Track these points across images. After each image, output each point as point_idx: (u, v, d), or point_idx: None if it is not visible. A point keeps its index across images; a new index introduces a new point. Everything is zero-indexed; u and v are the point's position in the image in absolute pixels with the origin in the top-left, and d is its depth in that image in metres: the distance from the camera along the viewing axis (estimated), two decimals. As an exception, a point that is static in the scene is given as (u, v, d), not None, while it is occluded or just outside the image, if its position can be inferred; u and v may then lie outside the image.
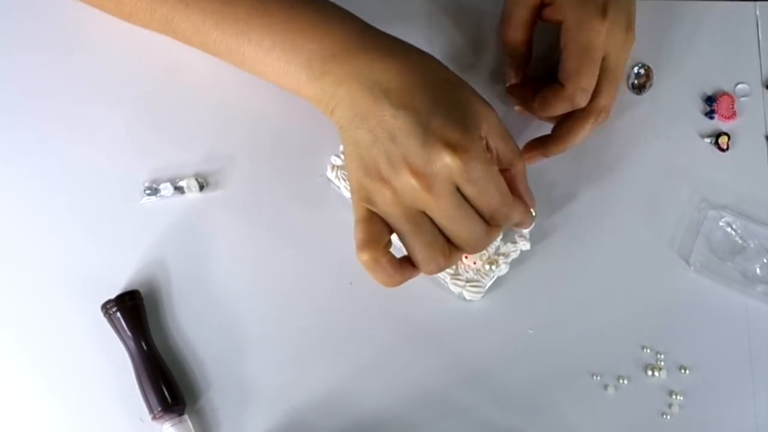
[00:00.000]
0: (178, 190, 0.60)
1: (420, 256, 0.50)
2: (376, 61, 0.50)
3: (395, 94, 0.49)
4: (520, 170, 0.54)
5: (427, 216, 0.50)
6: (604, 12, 0.57)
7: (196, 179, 0.61)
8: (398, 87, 0.49)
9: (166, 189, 0.60)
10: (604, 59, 0.58)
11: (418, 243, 0.50)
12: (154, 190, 0.60)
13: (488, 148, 0.50)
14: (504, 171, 0.52)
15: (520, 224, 0.55)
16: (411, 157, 0.48)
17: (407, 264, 0.51)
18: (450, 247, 0.51)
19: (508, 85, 0.63)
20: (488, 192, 0.49)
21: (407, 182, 0.48)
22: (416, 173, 0.48)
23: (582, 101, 0.57)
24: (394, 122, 0.48)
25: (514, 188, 0.53)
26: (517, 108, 0.63)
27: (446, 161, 0.47)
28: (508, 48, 0.62)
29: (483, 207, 0.50)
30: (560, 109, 0.58)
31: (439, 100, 0.49)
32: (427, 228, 0.50)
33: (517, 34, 0.61)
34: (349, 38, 0.52)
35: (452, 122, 0.48)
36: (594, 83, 0.57)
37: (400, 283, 0.51)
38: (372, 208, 0.50)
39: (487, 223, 0.51)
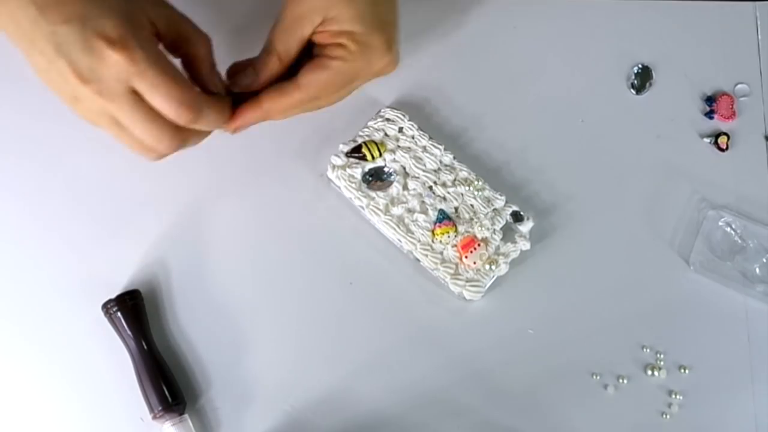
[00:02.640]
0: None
1: (136, 149, 0.50)
2: None
3: (52, 7, 0.47)
4: (201, 53, 0.52)
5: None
6: (387, 48, 0.55)
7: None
8: (52, 2, 0.47)
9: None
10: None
11: (125, 141, 0.50)
12: None
13: (160, 36, 0.50)
14: (186, 57, 0.52)
15: (215, 123, 0.52)
16: (77, 66, 0.46)
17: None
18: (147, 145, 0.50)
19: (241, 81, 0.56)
20: (162, 85, 0.47)
21: (84, 91, 0.47)
22: (87, 80, 0.47)
23: (315, 108, 0.56)
24: (54, 37, 0.47)
25: (198, 75, 0.52)
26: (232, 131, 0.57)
27: (108, 59, 0.46)
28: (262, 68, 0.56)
29: (162, 103, 0.48)
30: (290, 113, 0.56)
31: (94, 1, 0.47)
32: (122, 127, 0.49)
33: (291, 47, 0.56)
34: None
35: (110, 19, 0.47)
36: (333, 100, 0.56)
37: (236, 124, 0.53)
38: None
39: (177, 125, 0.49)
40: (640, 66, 0.66)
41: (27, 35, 0.48)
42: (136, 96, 0.48)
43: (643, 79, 0.66)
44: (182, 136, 0.50)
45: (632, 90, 0.66)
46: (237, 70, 0.56)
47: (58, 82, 0.48)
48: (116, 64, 0.46)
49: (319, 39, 0.55)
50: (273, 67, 0.55)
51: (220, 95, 0.53)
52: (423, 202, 0.61)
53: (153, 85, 0.47)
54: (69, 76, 0.47)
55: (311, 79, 0.54)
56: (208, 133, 0.53)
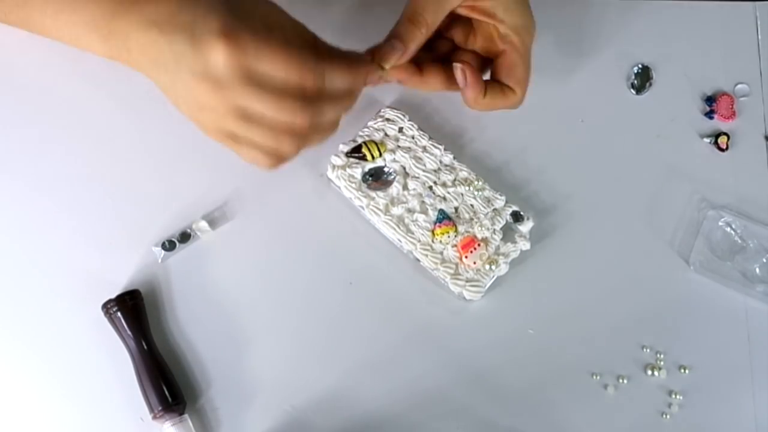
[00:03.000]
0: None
1: (266, 143, 0.49)
2: (147, 4, 0.49)
3: (164, 23, 0.48)
4: (322, 47, 0.51)
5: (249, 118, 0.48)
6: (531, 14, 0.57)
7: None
8: (166, 16, 0.48)
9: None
10: None
11: (257, 132, 0.49)
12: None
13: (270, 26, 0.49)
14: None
15: (350, 80, 0.51)
16: (194, 69, 0.47)
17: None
18: (287, 137, 0.49)
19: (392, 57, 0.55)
20: (277, 58, 0.47)
21: (207, 93, 0.47)
22: (207, 79, 0.46)
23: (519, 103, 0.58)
24: (171, 48, 0.47)
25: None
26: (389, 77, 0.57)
27: (220, 49, 0.46)
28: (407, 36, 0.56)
29: (284, 77, 0.47)
30: (498, 105, 0.58)
31: (202, 2, 0.47)
32: (254, 117, 0.48)
33: (425, 30, 0.56)
34: None
35: (216, 13, 0.47)
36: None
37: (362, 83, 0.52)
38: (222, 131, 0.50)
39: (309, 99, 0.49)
40: (640, 66, 0.66)
41: (151, 56, 0.49)
42: (254, 82, 0.47)
43: (643, 79, 0.66)
44: (305, 132, 0.49)
45: (632, 90, 0.66)
46: (378, 47, 0.55)
47: (183, 96, 0.49)
48: (226, 53, 0.46)
49: (461, 12, 0.56)
50: (420, 39, 0.55)
51: (344, 52, 0.51)
52: (423, 202, 0.61)
53: (270, 61, 0.46)
54: (191, 82, 0.47)
55: (524, 80, 0.58)
56: (331, 130, 0.52)
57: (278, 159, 0.51)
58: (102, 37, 0.52)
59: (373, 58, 0.54)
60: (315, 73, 0.48)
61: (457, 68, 0.57)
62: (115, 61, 0.53)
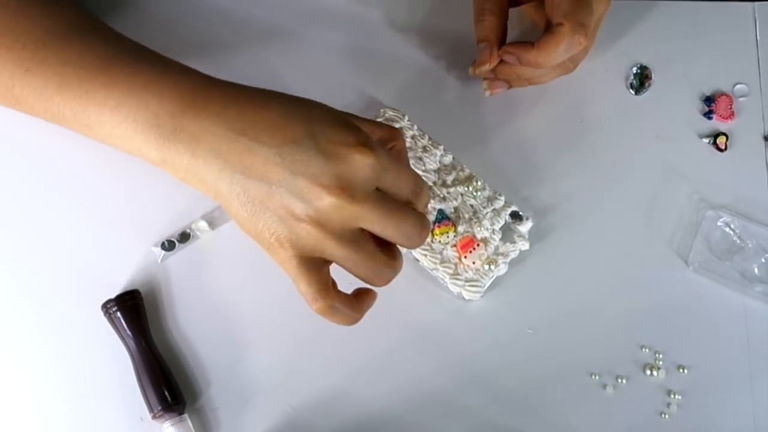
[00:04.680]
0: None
1: (368, 273, 0.48)
2: (228, 108, 0.47)
3: (265, 133, 0.46)
4: (401, 145, 0.52)
5: (360, 230, 0.47)
6: None
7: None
8: (264, 126, 0.46)
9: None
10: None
11: (360, 261, 0.47)
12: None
13: None
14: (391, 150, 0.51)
15: (424, 200, 0.52)
16: (321, 178, 0.44)
17: (361, 295, 0.50)
18: (391, 254, 0.49)
19: (481, 67, 0.61)
20: (402, 172, 0.48)
21: (329, 203, 0.45)
22: (333, 189, 0.44)
23: (582, 39, 0.56)
24: (284, 159, 0.45)
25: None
26: (486, 92, 0.64)
27: (357, 161, 0.45)
28: (482, 32, 0.60)
29: (404, 190, 0.48)
30: (559, 53, 0.57)
31: (308, 120, 0.46)
32: (363, 242, 0.47)
33: (492, 17, 0.60)
34: (194, 90, 0.48)
35: (337, 129, 0.46)
36: (590, 23, 0.57)
37: (362, 317, 0.50)
38: (302, 256, 0.47)
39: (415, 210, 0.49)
40: (638, 66, 0.66)
41: (235, 165, 0.46)
42: (382, 195, 0.46)
43: (641, 79, 0.66)
44: (425, 225, 0.49)
45: (631, 90, 0.67)
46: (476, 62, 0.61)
47: (281, 209, 0.46)
48: (365, 164, 0.45)
49: None
50: (494, 24, 0.60)
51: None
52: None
53: (396, 175, 0.47)
54: (311, 191, 0.45)
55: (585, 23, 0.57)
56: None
57: (380, 281, 0.49)
58: (162, 136, 0.48)
59: (475, 70, 0.61)
60: (419, 182, 0.49)
61: (481, 49, 0.60)
62: (157, 166, 0.49)
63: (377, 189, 0.47)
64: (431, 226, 0.59)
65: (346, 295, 0.49)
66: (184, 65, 0.52)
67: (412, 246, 0.49)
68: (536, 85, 0.63)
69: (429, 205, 0.60)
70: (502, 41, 0.61)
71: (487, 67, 0.60)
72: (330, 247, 0.46)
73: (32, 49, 0.51)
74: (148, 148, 0.49)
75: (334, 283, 0.49)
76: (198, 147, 0.47)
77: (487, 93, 0.63)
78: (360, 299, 0.50)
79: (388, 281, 0.49)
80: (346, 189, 0.45)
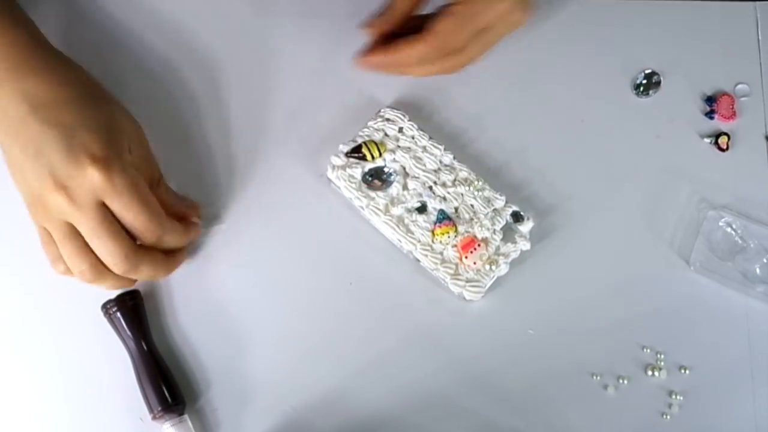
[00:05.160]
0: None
1: (69, 262, 0.52)
2: (29, 76, 0.51)
3: (43, 109, 0.50)
4: (163, 189, 0.57)
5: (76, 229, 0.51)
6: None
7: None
8: (47, 102, 0.51)
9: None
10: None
11: (65, 250, 0.51)
12: None
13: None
14: (152, 190, 0.54)
15: (181, 242, 0.56)
16: (56, 171, 0.49)
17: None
18: (100, 264, 0.52)
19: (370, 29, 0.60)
20: (134, 207, 0.51)
21: (54, 196, 0.50)
22: (61, 186, 0.49)
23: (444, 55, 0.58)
24: (41, 138, 0.50)
25: (166, 207, 0.55)
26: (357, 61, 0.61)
27: (89, 174, 0.49)
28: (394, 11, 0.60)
29: (131, 223, 0.52)
30: (416, 63, 0.58)
31: (86, 114, 0.51)
32: (72, 237, 0.51)
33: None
34: (7, 54, 0.52)
35: (97, 136, 0.50)
36: (456, 37, 0.58)
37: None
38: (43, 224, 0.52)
39: (139, 243, 0.53)
40: (645, 72, 0.66)
41: (12, 127, 0.51)
42: (104, 210, 0.51)
43: (648, 83, 0.66)
44: (138, 257, 0.53)
45: (634, 91, 0.66)
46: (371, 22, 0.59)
47: (28, 180, 0.51)
48: (94, 180, 0.49)
49: None
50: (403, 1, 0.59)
51: (178, 224, 0.56)
52: (422, 202, 0.61)
53: (126, 207, 0.51)
54: (44, 177, 0.50)
55: (439, 23, 0.56)
56: (131, 283, 0.56)
57: (68, 273, 0.53)
58: None
59: (367, 29, 0.59)
60: (157, 233, 0.53)
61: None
62: None
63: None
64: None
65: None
66: (8, 17, 0.54)
67: (114, 268, 0.52)
68: (405, 75, 0.62)
69: (430, 206, 0.60)
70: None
71: (383, 18, 0.59)
72: (52, 228, 0.52)
73: None
74: None
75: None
76: None
77: (356, 63, 0.61)
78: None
79: (87, 278, 0.53)
80: (68, 190, 0.50)
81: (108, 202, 0.50)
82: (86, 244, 0.51)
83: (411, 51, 0.58)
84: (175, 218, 0.55)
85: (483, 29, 0.58)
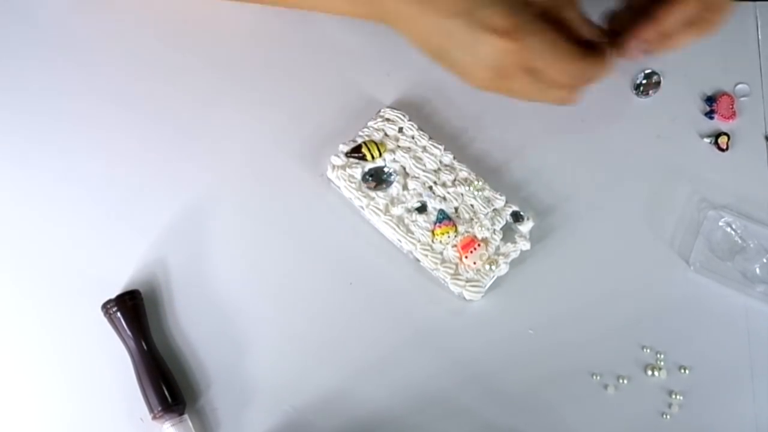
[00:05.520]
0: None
1: (543, 91, 0.54)
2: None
3: (433, 5, 0.52)
4: (573, 15, 0.55)
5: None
6: None
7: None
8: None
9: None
10: None
11: (538, 83, 0.53)
12: None
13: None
14: (562, 21, 0.54)
15: (605, 74, 0.56)
16: (494, 23, 0.50)
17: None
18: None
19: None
20: (555, 63, 0.52)
21: (502, 43, 0.50)
22: (503, 33, 0.50)
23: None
24: (445, 29, 0.52)
25: (577, 33, 0.54)
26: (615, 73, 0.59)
27: (502, 49, 0.51)
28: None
29: (557, 77, 0.53)
30: (677, 13, 0.55)
31: None
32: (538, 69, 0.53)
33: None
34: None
35: (496, 9, 0.51)
36: None
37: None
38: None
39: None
40: (645, 72, 0.66)
41: (419, 30, 0.53)
42: (530, 72, 0.52)
43: (648, 83, 0.66)
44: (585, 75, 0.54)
45: (634, 91, 0.66)
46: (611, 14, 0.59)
47: (479, 54, 0.52)
48: (509, 53, 0.51)
49: None
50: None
51: (601, 48, 0.56)
52: (422, 202, 0.61)
53: (547, 64, 0.52)
54: (486, 38, 0.51)
55: None
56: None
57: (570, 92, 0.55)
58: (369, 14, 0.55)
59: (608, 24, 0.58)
60: (584, 80, 0.55)
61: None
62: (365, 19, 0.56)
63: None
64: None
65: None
66: None
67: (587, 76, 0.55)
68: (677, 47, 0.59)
69: (430, 206, 0.60)
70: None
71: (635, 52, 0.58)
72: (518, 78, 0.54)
73: None
74: (346, 8, 0.57)
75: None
76: (397, 23, 0.55)
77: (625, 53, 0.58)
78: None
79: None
80: (493, 68, 0.52)
81: (531, 65, 0.52)
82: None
83: (672, 13, 0.55)
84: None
85: None
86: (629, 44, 0.57)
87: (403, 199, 0.61)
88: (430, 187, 0.61)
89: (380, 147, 0.62)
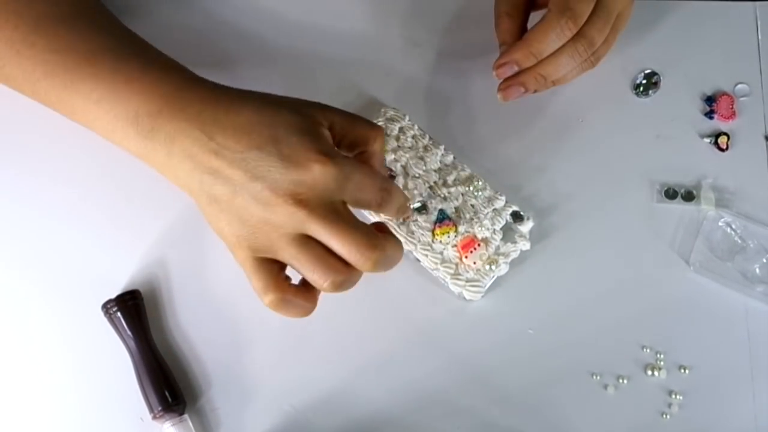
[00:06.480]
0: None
1: (313, 275, 0.48)
2: (203, 111, 0.49)
3: (233, 138, 0.47)
4: (377, 148, 0.53)
5: (312, 237, 0.48)
6: None
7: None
8: (233, 131, 0.48)
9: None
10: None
11: (308, 263, 0.48)
12: None
13: (336, 141, 0.51)
14: (362, 154, 0.53)
15: (402, 209, 0.54)
16: (279, 185, 0.46)
17: (310, 285, 0.50)
18: (344, 264, 0.48)
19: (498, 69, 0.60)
20: (365, 181, 0.49)
21: (284, 211, 0.46)
22: (288, 198, 0.46)
23: (569, 24, 0.56)
24: (248, 164, 0.47)
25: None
26: (499, 96, 0.60)
27: (316, 172, 0.46)
28: (500, 35, 0.61)
29: (368, 198, 0.49)
30: (549, 41, 0.57)
31: (274, 125, 0.48)
32: (312, 245, 0.48)
33: (509, 19, 0.61)
34: (174, 90, 0.50)
35: (300, 137, 0.47)
36: (586, 11, 0.56)
37: (314, 306, 0.50)
38: (257, 256, 0.49)
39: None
40: (645, 73, 0.66)
41: (204, 167, 0.48)
42: (334, 210, 0.48)
43: (648, 83, 0.66)
44: (381, 238, 0.49)
45: (634, 91, 0.66)
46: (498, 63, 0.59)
47: (242, 210, 0.47)
48: (323, 175, 0.46)
49: None
50: (506, 25, 0.60)
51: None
52: (423, 201, 0.61)
53: (361, 185, 0.49)
54: (270, 198, 0.46)
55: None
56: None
57: (341, 277, 0.49)
58: (140, 134, 0.50)
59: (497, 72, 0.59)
60: (387, 190, 0.51)
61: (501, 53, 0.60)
62: (136, 156, 0.52)
63: (341, 200, 0.48)
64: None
65: (296, 286, 0.50)
66: (170, 61, 0.53)
67: (360, 265, 0.48)
68: (561, 84, 0.61)
69: (430, 206, 0.60)
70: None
71: (504, 69, 0.59)
72: (281, 249, 0.48)
73: (23, 32, 0.52)
74: (128, 142, 0.51)
75: (287, 278, 0.50)
76: (173, 147, 0.49)
77: (500, 98, 0.60)
78: (310, 288, 0.50)
79: (338, 287, 0.49)
80: (300, 198, 0.46)
81: (343, 191, 0.48)
82: (326, 251, 0.48)
83: (542, 33, 0.56)
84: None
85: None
86: (498, 65, 0.59)
87: (404, 199, 0.61)
88: (431, 187, 0.61)
89: (380, 147, 0.62)
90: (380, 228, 0.51)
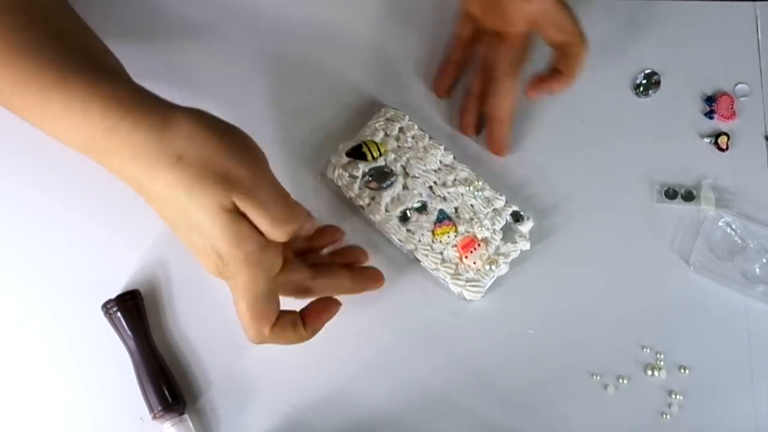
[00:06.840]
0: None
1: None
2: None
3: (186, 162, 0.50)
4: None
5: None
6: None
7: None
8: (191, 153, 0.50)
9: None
10: None
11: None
12: None
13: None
14: None
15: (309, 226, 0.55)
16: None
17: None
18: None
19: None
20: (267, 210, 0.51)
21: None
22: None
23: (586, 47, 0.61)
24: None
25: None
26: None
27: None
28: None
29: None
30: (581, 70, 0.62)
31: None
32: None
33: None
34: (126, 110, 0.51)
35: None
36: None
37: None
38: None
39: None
40: (645, 72, 0.66)
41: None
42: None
43: (648, 83, 0.66)
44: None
45: (634, 91, 0.66)
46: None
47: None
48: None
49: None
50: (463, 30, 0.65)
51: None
52: (423, 201, 0.61)
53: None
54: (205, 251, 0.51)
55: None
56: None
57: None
58: (100, 154, 0.52)
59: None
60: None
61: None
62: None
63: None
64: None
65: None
66: (113, 73, 0.54)
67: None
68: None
69: (430, 206, 0.60)
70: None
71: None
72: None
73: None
74: (93, 159, 0.53)
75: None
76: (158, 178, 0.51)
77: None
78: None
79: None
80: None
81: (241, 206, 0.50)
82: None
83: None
84: None
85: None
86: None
87: (404, 199, 0.61)
88: (431, 187, 0.61)
89: (380, 147, 0.62)
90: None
